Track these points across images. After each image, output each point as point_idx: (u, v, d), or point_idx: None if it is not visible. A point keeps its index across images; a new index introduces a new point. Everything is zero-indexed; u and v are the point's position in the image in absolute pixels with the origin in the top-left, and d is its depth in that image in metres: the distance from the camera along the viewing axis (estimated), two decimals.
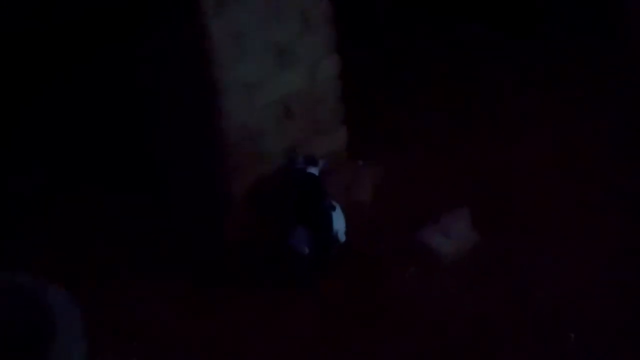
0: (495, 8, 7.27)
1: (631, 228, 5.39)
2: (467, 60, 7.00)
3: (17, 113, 6.44)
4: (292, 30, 5.30)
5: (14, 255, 5.24)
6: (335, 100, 5.68)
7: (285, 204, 5.29)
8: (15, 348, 4.19)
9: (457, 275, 5.16)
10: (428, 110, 6.50)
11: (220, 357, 4.75)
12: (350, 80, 5.79)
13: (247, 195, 5.48)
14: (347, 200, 5.46)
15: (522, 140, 6.16)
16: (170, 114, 5.64)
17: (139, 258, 5.37)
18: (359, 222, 5.36)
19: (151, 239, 5.50)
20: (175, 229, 5.55)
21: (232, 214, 5.48)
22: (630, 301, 4.92)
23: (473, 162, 5.96)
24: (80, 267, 5.29)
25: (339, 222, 5.08)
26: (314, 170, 5.24)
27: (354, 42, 6.72)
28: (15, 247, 5.40)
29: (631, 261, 5.17)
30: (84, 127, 6.39)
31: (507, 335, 4.76)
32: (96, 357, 4.42)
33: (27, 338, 4.15)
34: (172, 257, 5.38)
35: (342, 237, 5.11)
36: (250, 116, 5.33)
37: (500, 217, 5.53)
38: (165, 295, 5.10)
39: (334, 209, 5.09)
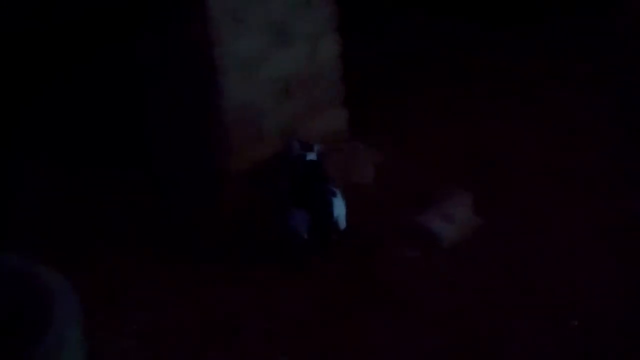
0: (495, 7, 7.31)
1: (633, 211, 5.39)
2: (467, 58, 7.04)
3: (17, 113, 6.42)
4: (291, 7, 5.28)
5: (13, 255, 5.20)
6: (336, 79, 5.65)
7: (283, 187, 5.24)
8: (9, 331, 4.13)
9: (457, 260, 5.10)
10: (430, 97, 6.54)
11: (215, 336, 4.70)
12: (353, 73, 5.81)
13: (244, 175, 5.43)
14: (347, 182, 5.43)
15: (525, 130, 6.18)
16: (170, 97, 5.60)
17: (133, 239, 5.38)
18: (360, 205, 5.31)
19: (148, 221, 5.50)
20: (172, 211, 5.53)
21: (230, 194, 5.43)
22: (631, 285, 4.87)
23: (475, 148, 5.97)
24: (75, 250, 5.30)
25: (339, 208, 5.01)
26: (312, 156, 5.19)
27: (355, 39, 6.76)
28: (15, 246, 5.35)
29: (633, 244, 5.15)
30: (84, 127, 6.38)
31: (506, 321, 4.69)
32: (93, 339, 4.37)
33: (22, 321, 4.11)
34: (169, 239, 5.38)
35: (342, 224, 5.05)
36: (249, 95, 5.30)
37: (502, 203, 5.50)
38: (162, 276, 5.07)
39: (334, 195, 5.02)
